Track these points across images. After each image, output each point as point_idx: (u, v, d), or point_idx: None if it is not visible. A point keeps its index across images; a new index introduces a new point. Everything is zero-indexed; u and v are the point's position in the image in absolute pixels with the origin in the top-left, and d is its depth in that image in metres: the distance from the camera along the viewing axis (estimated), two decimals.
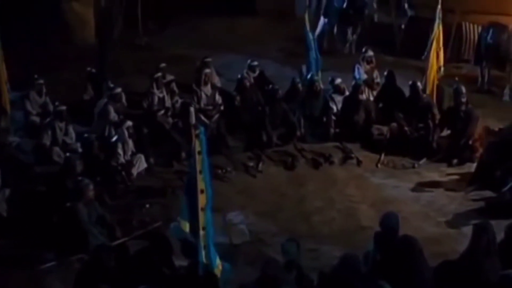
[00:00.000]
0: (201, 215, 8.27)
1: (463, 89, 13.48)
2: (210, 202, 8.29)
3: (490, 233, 8.26)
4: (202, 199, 8.25)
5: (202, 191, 8.28)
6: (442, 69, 14.72)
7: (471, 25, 18.84)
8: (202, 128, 8.38)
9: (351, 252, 8.40)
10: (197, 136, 8.28)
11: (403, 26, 20.25)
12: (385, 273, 8.29)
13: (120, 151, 12.50)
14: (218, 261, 8.67)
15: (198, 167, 8.24)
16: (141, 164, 12.67)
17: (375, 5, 19.79)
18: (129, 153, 12.70)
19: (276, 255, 8.76)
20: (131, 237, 10.58)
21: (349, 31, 20.00)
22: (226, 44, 20.21)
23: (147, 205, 11.70)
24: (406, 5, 20.43)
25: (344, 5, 19.91)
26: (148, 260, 9.05)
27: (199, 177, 8.24)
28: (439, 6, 14.57)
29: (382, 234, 8.91)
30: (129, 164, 12.52)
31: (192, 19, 22.46)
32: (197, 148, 8.28)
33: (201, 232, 8.30)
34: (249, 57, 16.57)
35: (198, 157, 8.26)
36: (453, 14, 17.07)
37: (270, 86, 14.81)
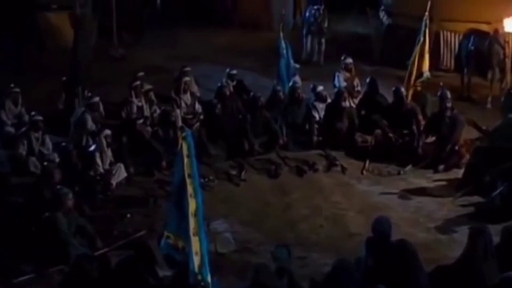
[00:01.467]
0: (192, 220, 7.90)
1: (448, 94, 13.34)
2: (201, 207, 7.94)
3: (487, 237, 8.03)
4: (192, 204, 7.89)
5: (192, 196, 7.93)
6: (425, 74, 14.52)
7: (450, 34, 18.79)
8: (188, 131, 8.06)
9: (345, 258, 8.12)
10: (183, 139, 7.96)
11: (380, 35, 20.17)
12: (378, 278, 8.03)
13: (98, 160, 12.13)
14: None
15: (187, 171, 7.90)
16: (120, 173, 12.31)
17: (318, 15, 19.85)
18: (108, 162, 12.33)
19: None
20: (113, 247, 10.22)
21: (315, 41, 20.13)
22: (202, 55, 20.09)
23: (128, 215, 11.35)
24: (383, 14, 20.39)
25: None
26: (132, 270, 8.69)
27: (188, 181, 7.89)
28: (427, 13, 14.42)
29: (374, 239, 8.64)
30: (108, 173, 12.16)
31: (168, 31, 22.41)
32: (185, 152, 7.95)
33: (193, 238, 7.92)
34: (226, 67, 16.29)
35: (186, 161, 7.92)
36: (432, 23, 16.90)
37: (251, 93, 14.52)
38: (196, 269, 7.88)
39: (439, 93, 13.60)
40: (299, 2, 24.37)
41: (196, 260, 7.89)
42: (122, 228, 10.91)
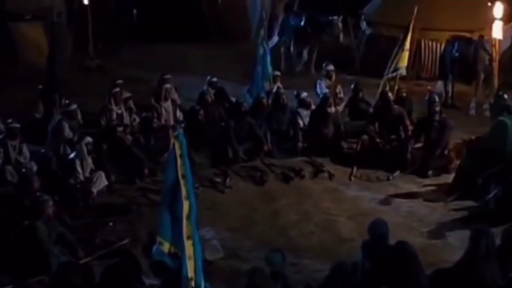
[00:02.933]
0: (185, 223, 7.51)
1: (437, 98, 13.14)
2: (194, 209, 7.55)
3: (490, 238, 7.78)
4: (185, 206, 7.49)
5: (186, 198, 7.53)
6: (400, 70, 14.59)
7: (431, 42, 18.61)
8: (180, 130, 7.69)
9: (343, 261, 7.79)
10: (175, 137, 7.58)
11: (361, 45, 19.96)
12: (377, 282, 7.72)
13: (78, 168, 11.72)
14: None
15: (180, 172, 7.51)
16: (101, 181, 11.90)
17: (340, 25, 19.28)
18: (88, 170, 11.90)
19: None
20: (95, 256, 9.80)
21: (305, 50, 19.56)
22: (180, 66, 19.68)
23: (111, 223, 10.97)
24: (364, 24, 20.18)
25: (302, 23, 19.50)
26: (117, 279, 8.26)
27: (182, 182, 7.50)
28: (413, 17, 14.20)
29: (371, 242, 8.37)
30: (89, 181, 11.75)
31: (145, 42, 22.04)
32: (178, 151, 7.57)
33: (186, 243, 7.52)
34: (205, 77, 15.91)
35: (179, 161, 7.53)
36: (413, 32, 16.72)
37: (235, 99, 14.18)
38: (190, 275, 7.48)
39: (427, 97, 13.38)
40: (276, 12, 24.05)
41: (189, 265, 7.50)
42: (104, 237, 10.51)
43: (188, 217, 7.50)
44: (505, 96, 13.02)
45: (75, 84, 17.01)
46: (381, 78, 16.11)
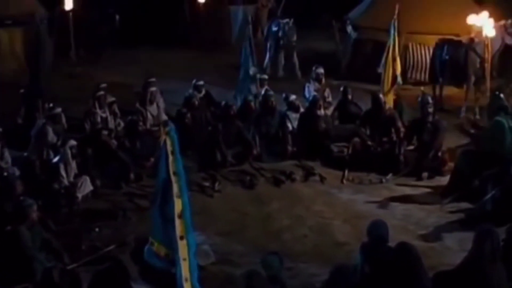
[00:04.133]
0: (178, 222, 7.16)
1: (430, 100, 12.89)
2: (187, 208, 7.21)
3: (495, 238, 7.51)
4: (178, 205, 7.16)
5: (178, 196, 7.19)
6: (398, 78, 14.16)
7: (418, 46, 18.40)
8: (172, 125, 7.35)
9: (343, 263, 7.49)
10: (167, 133, 7.26)
11: (347, 49, 19.74)
12: (378, 286, 7.39)
13: (63, 172, 11.33)
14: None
15: (172, 169, 7.18)
16: (86, 186, 11.51)
17: (289, 27, 19.28)
18: (72, 175, 11.52)
19: None
20: (82, 262, 9.43)
21: (280, 55, 19.50)
22: (163, 72, 19.32)
23: (97, 229, 10.59)
24: (350, 28, 19.96)
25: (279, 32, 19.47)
26: (106, 286, 7.90)
27: (174, 179, 7.16)
28: (395, 16, 13.95)
29: (371, 245, 8.06)
30: (73, 186, 11.37)
31: (127, 49, 21.84)
32: (169, 148, 7.24)
33: (180, 243, 7.17)
34: (189, 83, 15.56)
35: (171, 158, 7.21)
36: (399, 36, 16.50)
37: (223, 102, 13.84)
38: (184, 277, 7.14)
39: (419, 99, 13.12)
40: (259, 18, 23.80)
41: (184, 267, 7.16)
42: (90, 243, 10.15)
43: (180, 216, 7.17)
44: (502, 96, 12.78)
45: (57, 90, 16.62)
46: (368, 82, 15.95)
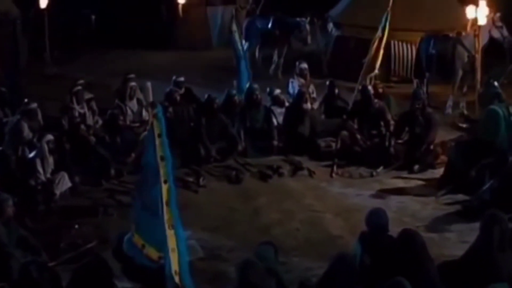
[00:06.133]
0: (166, 210, 6.68)
1: (422, 94, 12.55)
2: (174, 194, 6.74)
3: (504, 224, 7.13)
4: (164, 191, 6.68)
5: (165, 182, 6.72)
6: (376, 69, 14.07)
7: (400, 44, 18.04)
8: (160, 107, 6.91)
9: (344, 252, 7.03)
10: (154, 116, 6.81)
11: (328, 47, 19.34)
12: (380, 277, 6.90)
13: (39, 168, 10.78)
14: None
15: (159, 153, 6.72)
16: (64, 183, 10.97)
17: (308, 27, 18.67)
18: (50, 171, 10.98)
19: None
20: (61, 260, 8.96)
21: (274, 53, 18.85)
22: (141, 72, 18.75)
23: (76, 226, 10.11)
24: (331, 25, 19.58)
25: (269, 26, 18.83)
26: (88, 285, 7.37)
27: (161, 165, 6.69)
28: (388, 9, 13.60)
29: (370, 235, 7.63)
30: (51, 182, 10.83)
31: (103, 50, 21.44)
32: (156, 131, 6.78)
33: (168, 232, 6.69)
34: (169, 82, 15.02)
35: (158, 141, 6.75)
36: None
37: (206, 95, 13.35)
38: (173, 270, 6.65)
39: (412, 91, 12.72)
40: (238, 20, 23.37)
41: (173, 259, 6.67)
42: (69, 240, 9.66)
43: (167, 203, 6.71)
44: (496, 84, 12.40)
45: (32, 90, 16.08)
46: (350, 80, 15.55)
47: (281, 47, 18.84)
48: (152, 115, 6.86)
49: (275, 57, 18.84)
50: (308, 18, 18.91)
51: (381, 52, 14.16)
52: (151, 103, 8.38)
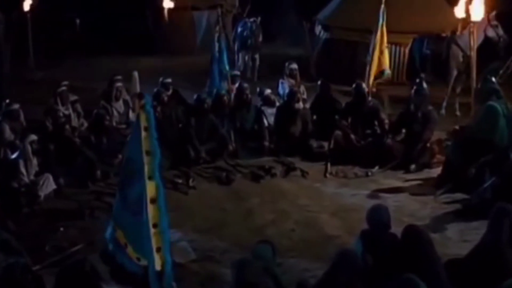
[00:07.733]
0: (151, 208, 6.27)
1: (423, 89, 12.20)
2: (162, 190, 6.34)
3: None
4: (150, 188, 6.27)
5: (150, 178, 6.30)
6: (386, 72, 13.60)
7: (392, 46, 17.73)
8: (148, 98, 6.50)
9: (347, 249, 6.68)
10: (142, 107, 6.40)
11: (316, 50, 19.05)
12: (383, 277, 6.54)
13: (22, 169, 10.35)
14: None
15: (145, 147, 6.31)
16: (49, 185, 10.56)
17: (254, 27, 18.55)
18: (33, 172, 10.55)
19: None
20: (46, 263, 8.56)
21: (247, 56, 18.84)
22: (126, 76, 18.43)
23: (61, 229, 9.69)
24: (319, 29, 19.30)
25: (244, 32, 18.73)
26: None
27: (146, 160, 6.28)
28: (383, 6, 13.27)
29: (371, 233, 7.29)
30: (34, 185, 10.41)
31: (89, 55, 21.09)
32: (143, 123, 6.37)
33: (152, 230, 6.28)
34: (153, 85, 14.64)
35: (144, 134, 6.34)
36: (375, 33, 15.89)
37: (196, 95, 12.97)
38: (158, 268, 6.26)
39: (413, 90, 12.36)
40: (224, 24, 23.07)
41: (157, 260, 6.27)
42: (55, 243, 9.24)
43: (154, 201, 6.29)
44: (493, 79, 12.05)
45: (16, 95, 15.62)
46: (338, 83, 15.22)
47: (252, 52, 18.70)
48: (139, 106, 6.41)
49: (247, 61, 18.73)
50: (259, 18, 18.71)
51: (386, 54, 13.82)
52: (139, 94, 7.95)
